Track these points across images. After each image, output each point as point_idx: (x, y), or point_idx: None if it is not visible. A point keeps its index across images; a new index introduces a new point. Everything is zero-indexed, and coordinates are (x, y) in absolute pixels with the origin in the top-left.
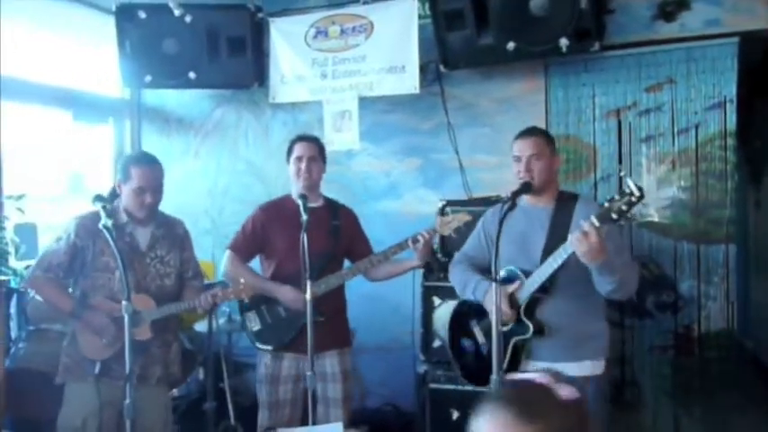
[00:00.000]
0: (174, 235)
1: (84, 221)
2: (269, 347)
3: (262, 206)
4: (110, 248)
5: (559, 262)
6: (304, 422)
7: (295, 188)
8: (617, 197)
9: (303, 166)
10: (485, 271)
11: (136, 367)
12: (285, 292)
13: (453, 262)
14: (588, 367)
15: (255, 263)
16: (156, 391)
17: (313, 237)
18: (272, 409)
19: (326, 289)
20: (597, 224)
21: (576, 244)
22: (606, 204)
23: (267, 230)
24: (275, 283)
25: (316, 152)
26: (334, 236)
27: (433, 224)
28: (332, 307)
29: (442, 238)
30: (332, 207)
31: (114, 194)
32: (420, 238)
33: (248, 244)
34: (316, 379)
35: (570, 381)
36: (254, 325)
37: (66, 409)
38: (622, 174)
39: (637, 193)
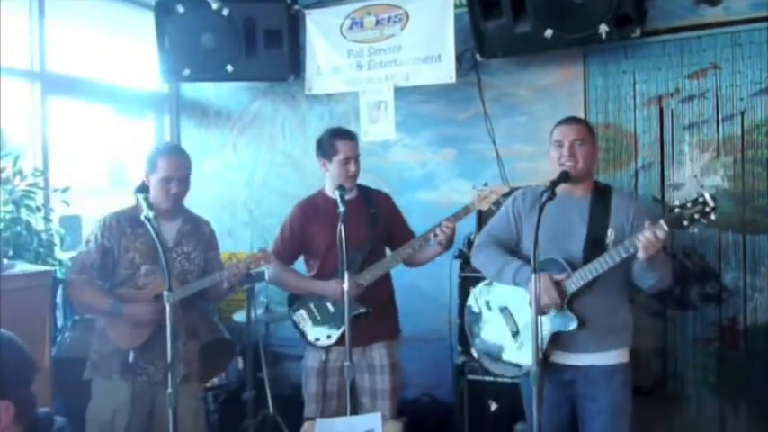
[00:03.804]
0: (200, 233)
1: (107, 222)
2: (323, 343)
3: (299, 205)
4: (134, 245)
5: (617, 260)
6: (353, 413)
7: (334, 183)
8: (689, 204)
9: (353, 167)
10: (511, 254)
11: (160, 367)
12: (329, 286)
13: (479, 244)
14: (613, 357)
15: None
16: (182, 389)
17: (352, 229)
18: (319, 402)
19: (372, 279)
20: (666, 229)
21: (645, 246)
22: (677, 210)
23: (306, 230)
24: (317, 281)
25: (358, 149)
26: (373, 225)
27: (470, 202)
28: (379, 298)
29: (479, 223)
30: (367, 195)
31: (145, 188)
32: (440, 232)
33: (289, 247)
34: (363, 371)
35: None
36: (306, 323)
37: (95, 404)
38: (701, 186)
39: (711, 204)
